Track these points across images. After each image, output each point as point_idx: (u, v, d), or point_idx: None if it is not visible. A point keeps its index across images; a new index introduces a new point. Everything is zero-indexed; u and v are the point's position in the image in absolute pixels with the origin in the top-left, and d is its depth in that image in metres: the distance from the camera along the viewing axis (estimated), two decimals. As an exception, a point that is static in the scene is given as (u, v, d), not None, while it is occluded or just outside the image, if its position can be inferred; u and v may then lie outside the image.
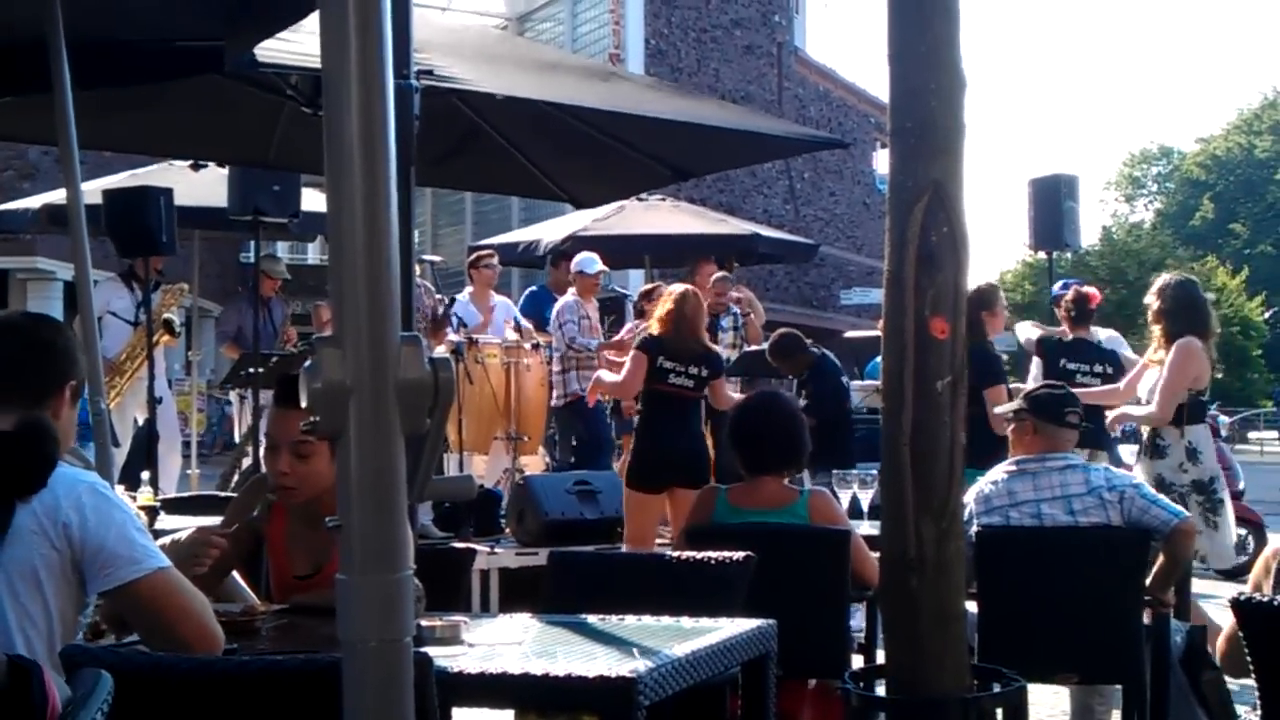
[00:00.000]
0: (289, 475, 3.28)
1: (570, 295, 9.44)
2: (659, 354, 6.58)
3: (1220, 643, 3.32)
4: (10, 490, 2.15)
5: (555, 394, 9.15)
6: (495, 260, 10.17)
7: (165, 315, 9.01)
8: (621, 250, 11.69)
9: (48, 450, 2.13)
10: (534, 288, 10.93)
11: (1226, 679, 4.16)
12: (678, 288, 7.04)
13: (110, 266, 9.37)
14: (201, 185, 9.43)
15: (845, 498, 5.01)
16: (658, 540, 6.86)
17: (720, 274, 10.29)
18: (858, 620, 4.82)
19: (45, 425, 2.15)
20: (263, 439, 4.57)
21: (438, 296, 8.96)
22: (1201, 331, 6.14)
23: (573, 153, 6.38)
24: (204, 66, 4.55)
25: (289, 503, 3.34)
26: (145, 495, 5.08)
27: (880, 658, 3.80)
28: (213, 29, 4.30)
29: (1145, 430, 6.23)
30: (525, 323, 9.44)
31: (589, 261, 9.50)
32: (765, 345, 9.09)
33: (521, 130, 6.24)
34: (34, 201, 10.99)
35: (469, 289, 9.83)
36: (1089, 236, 43.81)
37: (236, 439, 10.49)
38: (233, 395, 10.40)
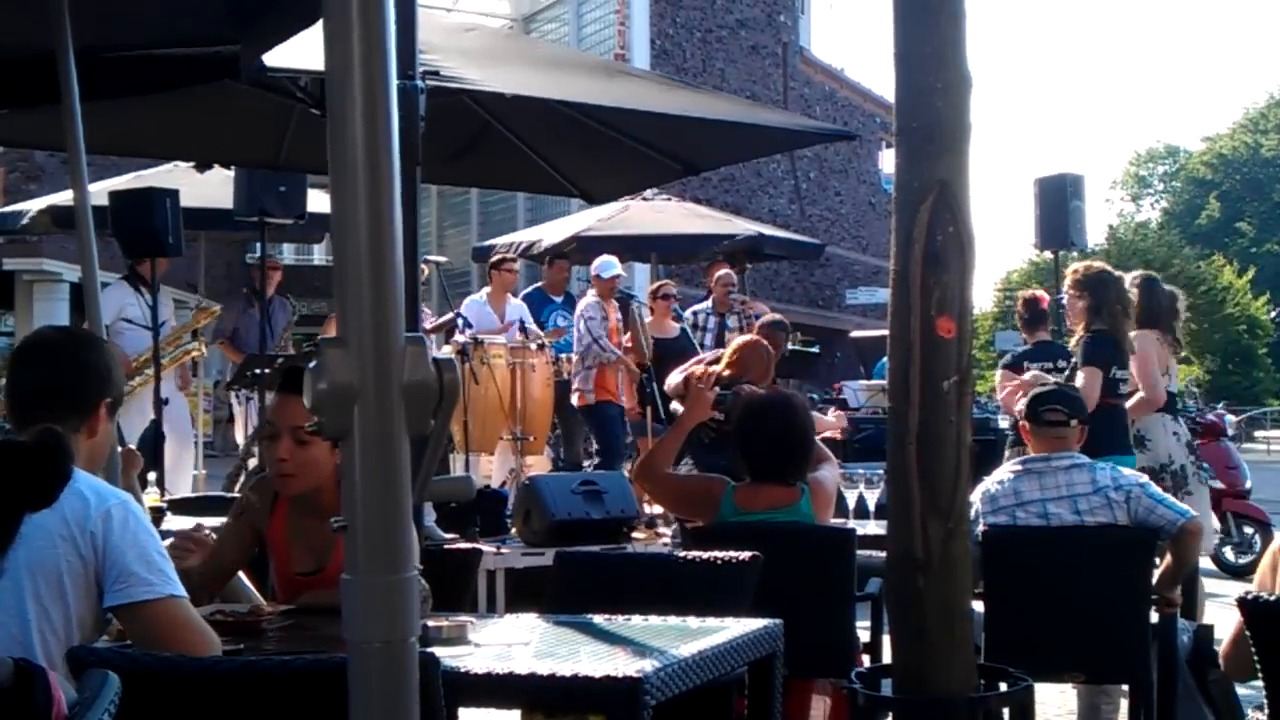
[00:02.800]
0: (288, 461, 3.27)
1: (591, 296, 9.48)
2: None
3: (1226, 644, 3.31)
4: (20, 501, 2.17)
5: (574, 391, 9.22)
6: (517, 265, 10.18)
7: (196, 327, 9.23)
8: (627, 250, 11.71)
9: (61, 465, 2.15)
10: (529, 289, 10.95)
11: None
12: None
13: (116, 268, 9.39)
14: (207, 187, 9.44)
15: (851, 497, 5.00)
16: (662, 541, 6.87)
17: (722, 271, 10.34)
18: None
19: (60, 440, 2.17)
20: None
21: (438, 320, 8.98)
22: (1150, 324, 6.28)
23: (583, 149, 6.40)
24: (215, 74, 4.55)
25: (287, 491, 3.34)
26: (151, 496, 5.09)
27: (887, 657, 3.79)
28: (224, 34, 4.31)
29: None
30: (532, 325, 9.46)
31: (606, 265, 9.54)
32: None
33: (532, 127, 6.26)
34: (39, 203, 11.01)
35: (486, 290, 9.84)
36: (1095, 236, 43.84)
37: (239, 442, 10.53)
38: (231, 398, 10.43)
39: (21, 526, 2.36)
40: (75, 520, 2.46)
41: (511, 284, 9.85)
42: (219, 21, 4.27)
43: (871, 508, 5.14)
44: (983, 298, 40.93)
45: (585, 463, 9.69)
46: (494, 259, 10.14)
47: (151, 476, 6.06)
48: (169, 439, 8.53)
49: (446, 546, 4.87)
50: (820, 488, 4.43)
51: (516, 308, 9.72)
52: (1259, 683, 2.89)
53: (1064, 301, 6.59)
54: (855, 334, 18.22)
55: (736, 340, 7.15)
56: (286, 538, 3.41)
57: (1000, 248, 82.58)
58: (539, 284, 10.83)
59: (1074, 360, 6.29)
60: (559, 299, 10.36)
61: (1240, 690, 4.18)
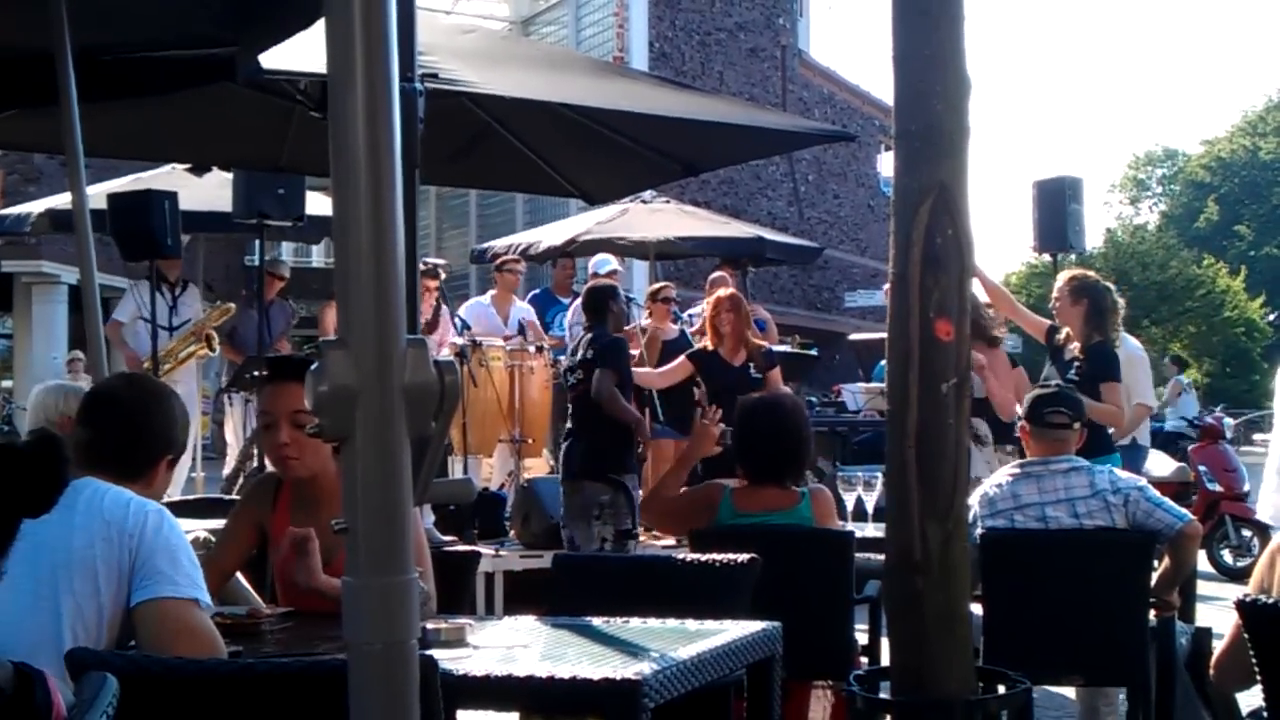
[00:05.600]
0: (290, 445, 3.31)
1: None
2: None
3: (1220, 651, 3.30)
4: (17, 507, 2.14)
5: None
6: (521, 265, 10.17)
7: (208, 330, 9.31)
8: (625, 253, 11.70)
9: (59, 471, 2.14)
10: (536, 290, 10.92)
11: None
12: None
13: (114, 270, 9.42)
14: (206, 189, 9.45)
15: (850, 499, 5.00)
16: (660, 543, 6.87)
17: (716, 274, 10.34)
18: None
19: (58, 447, 2.16)
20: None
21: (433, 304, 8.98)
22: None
23: (583, 150, 6.41)
24: (213, 76, 4.55)
25: (291, 474, 3.37)
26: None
27: (885, 660, 3.79)
28: (222, 36, 4.31)
29: None
30: (530, 329, 9.44)
31: (602, 263, 9.56)
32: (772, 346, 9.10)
33: (532, 128, 6.27)
34: (38, 206, 11.01)
35: (491, 292, 9.84)
36: (1093, 239, 43.63)
37: (228, 442, 10.55)
38: (225, 400, 10.47)
39: (56, 529, 2.37)
40: (115, 523, 2.53)
41: (515, 285, 9.84)
42: (217, 23, 4.27)
43: (870, 510, 5.13)
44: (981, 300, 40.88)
45: None
46: (497, 262, 10.14)
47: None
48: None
49: (445, 549, 4.87)
50: (822, 496, 4.44)
51: (520, 309, 9.72)
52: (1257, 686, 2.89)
53: (1053, 308, 6.57)
54: (854, 337, 18.16)
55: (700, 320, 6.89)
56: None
57: (999, 250, 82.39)
58: (546, 286, 10.83)
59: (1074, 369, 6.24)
60: (566, 300, 10.35)
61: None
